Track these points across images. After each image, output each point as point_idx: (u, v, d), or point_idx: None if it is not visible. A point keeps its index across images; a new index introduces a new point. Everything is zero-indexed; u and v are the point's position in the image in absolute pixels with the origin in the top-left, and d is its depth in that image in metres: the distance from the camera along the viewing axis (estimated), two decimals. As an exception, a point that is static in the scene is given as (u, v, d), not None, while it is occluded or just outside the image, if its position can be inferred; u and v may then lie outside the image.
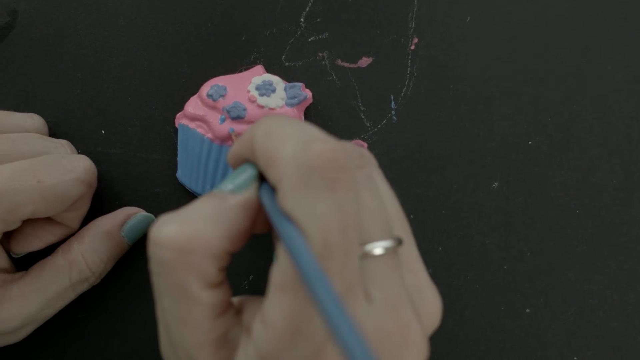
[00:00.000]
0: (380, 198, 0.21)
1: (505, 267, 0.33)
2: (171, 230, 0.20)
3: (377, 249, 0.19)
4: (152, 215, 0.33)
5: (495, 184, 0.33)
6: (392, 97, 0.33)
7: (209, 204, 0.21)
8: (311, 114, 0.33)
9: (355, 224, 0.19)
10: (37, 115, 0.33)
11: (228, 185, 0.21)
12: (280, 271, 0.19)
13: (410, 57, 0.34)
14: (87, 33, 0.35)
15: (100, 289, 0.33)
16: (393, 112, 0.33)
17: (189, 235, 0.19)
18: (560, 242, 0.33)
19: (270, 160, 0.20)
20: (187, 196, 0.34)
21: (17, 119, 0.32)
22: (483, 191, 0.33)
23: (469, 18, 0.34)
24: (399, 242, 0.20)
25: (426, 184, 0.33)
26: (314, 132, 0.20)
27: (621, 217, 0.33)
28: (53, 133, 0.34)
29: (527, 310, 0.33)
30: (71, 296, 0.31)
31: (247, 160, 0.22)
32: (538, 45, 0.34)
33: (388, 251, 0.19)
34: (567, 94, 0.33)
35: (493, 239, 0.33)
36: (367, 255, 0.19)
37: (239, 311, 0.22)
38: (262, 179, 0.22)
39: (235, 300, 0.23)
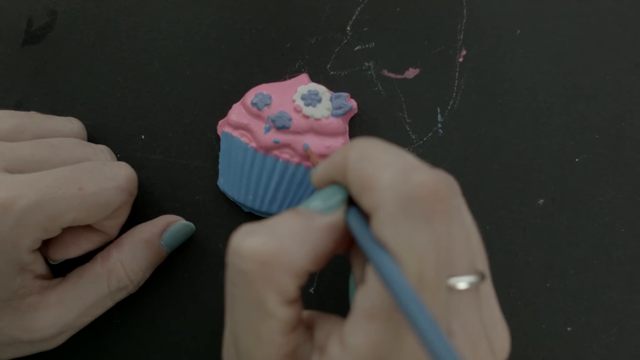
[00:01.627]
0: (467, 230, 0.20)
1: (548, 285, 0.32)
2: (256, 243, 0.19)
3: (462, 283, 0.19)
4: (191, 224, 0.33)
5: (541, 201, 0.33)
6: (438, 110, 0.33)
7: (296, 221, 0.20)
8: (356, 125, 0.33)
9: (448, 258, 0.18)
10: (76, 119, 0.33)
11: (317, 204, 0.21)
12: (368, 298, 0.19)
13: (458, 70, 0.33)
14: (128, 36, 0.34)
15: (137, 295, 0.32)
16: (439, 125, 0.33)
17: (275, 250, 0.19)
18: (605, 260, 0.32)
19: (366, 186, 0.20)
20: (227, 205, 0.33)
21: (56, 123, 0.32)
22: (528, 207, 0.33)
23: (518, 31, 0.33)
24: (482, 277, 0.20)
25: (471, 199, 0.32)
26: (412, 160, 0.20)
27: (667, 237, 0.32)
28: (92, 137, 0.34)
29: (569, 329, 0.32)
30: (109, 304, 0.31)
31: (335, 181, 0.22)
32: (588, 61, 0.33)
33: (472, 286, 0.19)
34: (616, 112, 0.33)
35: (537, 256, 0.32)
36: (451, 289, 0.19)
37: (308, 327, 0.22)
38: (349, 202, 0.22)
39: (305, 314, 0.23)
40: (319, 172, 0.23)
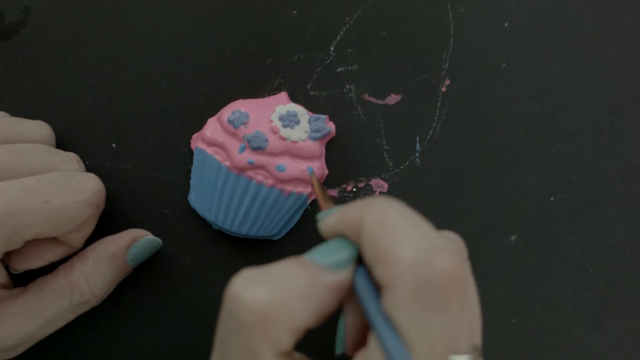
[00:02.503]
0: (474, 306, 0.20)
1: (513, 321, 0.32)
2: (258, 295, 0.19)
3: None
4: (158, 240, 0.32)
5: (513, 237, 0.32)
6: (417, 139, 0.32)
7: (301, 275, 0.20)
8: (333, 148, 0.32)
9: (456, 340, 0.18)
10: (45, 123, 0.32)
11: (325, 259, 0.20)
12: None
13: (440, 99, 0.32)
14: (105, 38, 0.33)
15: (100, 307, 0.31)
16: (417, 154, 0.32)
17: (277, 306, 0.19)
18: (571, 300, 0.33)
19: (384, 258, 0.19)
20: (197, 220, 0.32)
21: (25, 127, 0.31)
22: (500, 243, 0.32)
23: (504, 64, 0.33)
24: (479, 354, 0.19)
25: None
26: (434, 238, 0.19)
27: (634, 280, 0.33)
28: (60, 142, 0.32)
29: (531, 365, 0.33)
30: (70, 317, 0.30)
31: (345, 236, 0.21)
32: (571, 100, 0.33)
33: None
34: (595, 152, 0.33)
35: (505, 292, 0.32)
36: None
37: None
38: (358, 260, 0.21)
39: (296, 358, 0.22)
40: (330, 223, 0.22)
